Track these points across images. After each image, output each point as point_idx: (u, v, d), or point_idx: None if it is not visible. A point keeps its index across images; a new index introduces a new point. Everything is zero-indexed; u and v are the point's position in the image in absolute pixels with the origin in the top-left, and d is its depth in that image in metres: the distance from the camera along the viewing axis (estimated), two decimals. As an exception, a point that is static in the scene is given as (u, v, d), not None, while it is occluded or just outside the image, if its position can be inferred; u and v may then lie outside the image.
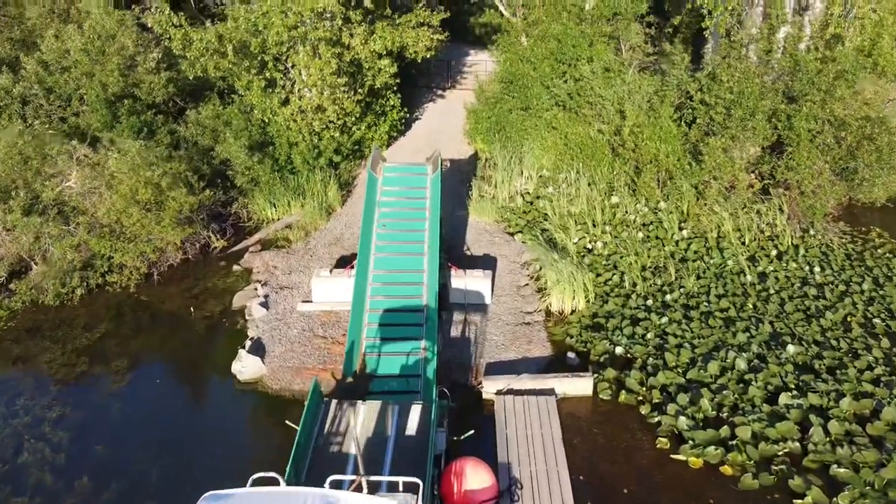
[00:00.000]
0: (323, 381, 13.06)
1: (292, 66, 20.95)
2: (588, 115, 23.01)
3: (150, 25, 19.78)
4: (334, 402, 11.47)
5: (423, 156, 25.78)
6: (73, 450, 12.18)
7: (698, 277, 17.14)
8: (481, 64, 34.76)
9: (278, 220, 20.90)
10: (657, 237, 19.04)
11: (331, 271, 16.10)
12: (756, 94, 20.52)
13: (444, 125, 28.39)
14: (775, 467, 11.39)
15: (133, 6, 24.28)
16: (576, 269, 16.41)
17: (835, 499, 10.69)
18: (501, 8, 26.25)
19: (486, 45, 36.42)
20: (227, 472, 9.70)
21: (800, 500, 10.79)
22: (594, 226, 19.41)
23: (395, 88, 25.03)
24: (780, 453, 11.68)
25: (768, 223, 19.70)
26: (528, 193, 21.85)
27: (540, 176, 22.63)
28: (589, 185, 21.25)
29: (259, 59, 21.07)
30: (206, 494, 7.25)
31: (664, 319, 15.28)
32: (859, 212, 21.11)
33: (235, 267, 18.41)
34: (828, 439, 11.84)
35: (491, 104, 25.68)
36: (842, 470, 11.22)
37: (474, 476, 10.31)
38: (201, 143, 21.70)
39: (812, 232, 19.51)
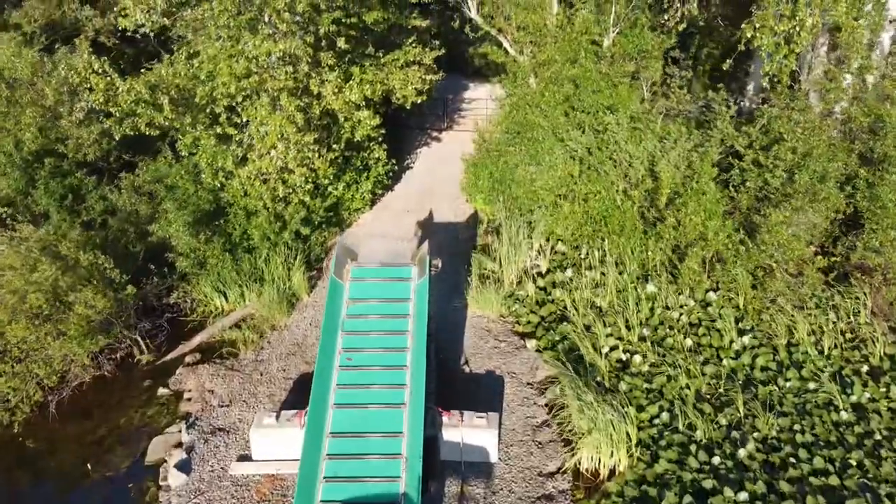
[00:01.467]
0: None
1: (248, 121, 16.50)
2: (612, 175, 18.60)
3: (63, 74, 15.36)
4: None
5: (414, 218, 21.42)
6: None
7: (776, 413, 12.57)
8: (481, 101, 30.48)
9: (229, 313, 16.39)
10: (711, 345, 14.50)
11: (277, 417, 11.54)
12: (826, 154, 16.14)
13: (438, 177, 23.98)
14: None
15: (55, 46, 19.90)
16: (612, 411, 11.83)
17: None
18: (506, 45, 21.90)
19: (487, 77, 32.12)
20: None
21: None
22: (628, 328, 14.88)
23: (380, 140, 20.67)
24: None
25: (848, 322, 15.19)
26: (542, 276, 17.35)
27: (555, 251, 18.17)
28: (617, 265, 16.79)
29: (209, 110, 16.70)
30: None
31: (743, 497, 10.69)
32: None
33: (162, 390, 13.84)
34: None
35: (493, 157, 21.25)
36: None
37: None
38: (142, 211, 17.31)
39: (905, 333, 15.02)
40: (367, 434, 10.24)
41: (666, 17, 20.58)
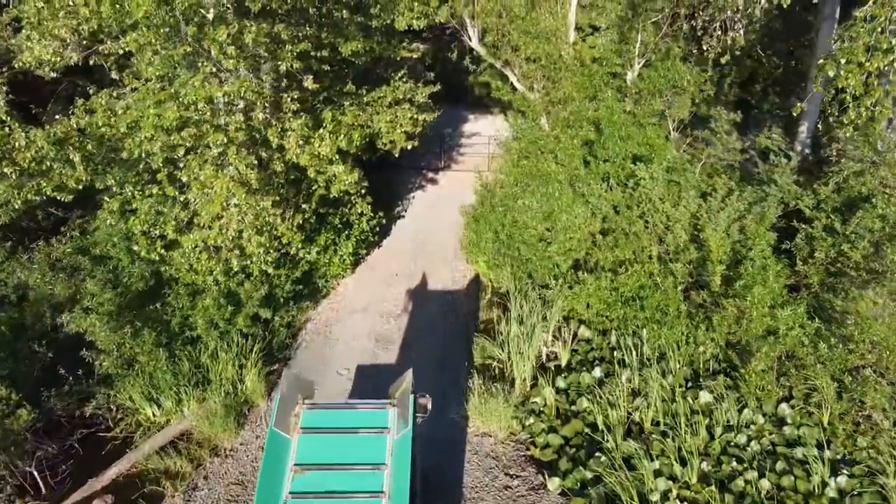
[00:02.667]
0: None
1: (188, 182, 12.82)
2: (644, 240, 14.98)
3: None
4: None
5: (404, 285, 17.74)
6: None
7: None
8: (483, 136, 26.94)
9: (161, 428, 12.62)
10: (795, 489, 10.72)
11: None
12: (923, 223, 12.55)
13: (434, 229, 20.36)
14: None
15: None
16: None
17: None
18: (513, 79, 18.35)
19: (489, 108, 28.59)
20: None
21: None
22: (682, 461, 11.10)
23: (363, 192, 17.08)
24: None
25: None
26: (562, 372, 13.61)
27: (577, 338, 14.47)
28: (659, 362, 13.07)
29: (142, 165, 13.09)
30: None
31: None
32: None
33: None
34: None
35: (499, 212, 17.61)
36: None
37: None
38: (58, 292, 13.61)
39: None
40: None
41: (704, 48, 17.06)
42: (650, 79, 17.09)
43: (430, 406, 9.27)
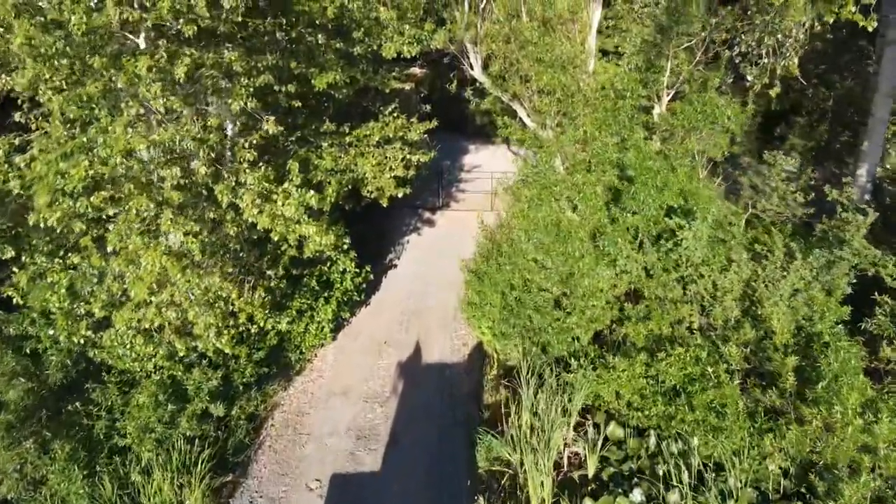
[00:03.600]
0: None
1: (115, 250, 9.99)
2: (684, 311, 12.20)
3: None
4: None
5: (394, 357, 14.87)
6: None
7: None
8: (485, 170, 24.32)
9: (73, 571, 9.71)
10: None
11: None
12: None
13: (430, 283, 17.71)
14: None
15: None
16: None
17: None
18: (522, 115, 15.62)
19: (490, 138, 25.93)
20: None
21: None
22: None
23: (345, 248, 14.34)
24: None
25: None
26: (592, 490, 10.70)
27: (607, 438, 11.60)
28: (716, 479, 10.19)
29: (61, 230, 10.28)
30: None
31: None
32: None
33: None
34: None
35: (506, 270, 14.74)
36: None
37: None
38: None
39: None
40: None
41: (749, 79, 14.37)
42: (684, 113, 14.38)
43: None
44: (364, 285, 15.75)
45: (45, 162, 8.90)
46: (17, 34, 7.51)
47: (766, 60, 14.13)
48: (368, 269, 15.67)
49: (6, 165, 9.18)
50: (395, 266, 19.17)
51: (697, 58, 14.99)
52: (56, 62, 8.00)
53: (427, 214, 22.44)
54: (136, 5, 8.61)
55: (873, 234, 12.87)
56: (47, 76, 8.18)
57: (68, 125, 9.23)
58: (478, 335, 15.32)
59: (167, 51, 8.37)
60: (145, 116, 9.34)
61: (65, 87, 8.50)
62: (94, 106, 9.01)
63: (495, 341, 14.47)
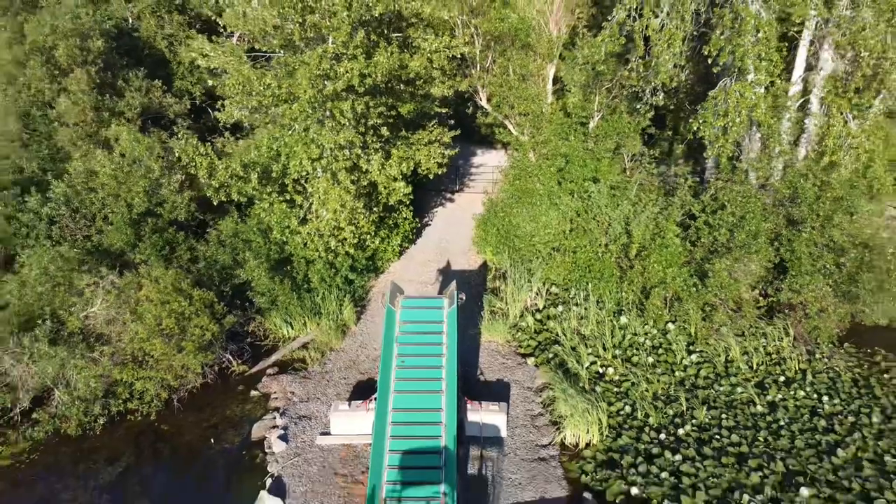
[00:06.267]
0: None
1: (311, 192, 22.13)
2: (596, 233, 24.11)
3: (177, 154, 21.05)
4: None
5: (433, 269, 26.85)
6: None
7: (709, 407, 17.71)
8: (488, 167, 36.38)
9: (294, 339, 21.63)
10: (667, 362, 19.71)
11: (349, 404, 16.71)
12: (758, 217, 21.61)
13: (453, 233, 29.53)
14: None
15: (156, 129, 25.80)
16: (589, 404, 17.01)
17: None
18: (510, 127, 27.77)
19: (493, 144, 38.21)
20: None
21: None
22: (604, 349, 20.11)
23: (408, 203, 26.30)
24: None
25: (774, 346, 20.41)
26: (539, 311, 22.65)
27: (550, 292, 23.49)
28: (598, 303, 22.09)
29: (279, 182, 22.33)
30: None
31: (678, 457, 15.78)
32: (864, 331, 21.78)
33: (253, 392, 19.01)
34: None
35: (500, 216, 26.80)
36: None
37: None
38: (221, 260, 22.67)
39: (818, 355, 20.18)
40: (417, 410, 15.36)
41: (639, 106, 26.49)
42: (603, 127, 26.45)
43: (464, 298, 18.27)
44: (414, 231, 27.68)
45: (288, 146, 20.95)
46: (304, 95, 19.44)
47: (647, 98, 26.15)
48: (418, 220, 27.61)
49: (269, 147, 21.20)
50: (430, 224, 31.09)
51: (613, 94, 27.03)
52: (312, 103, 20.02)
53: (448, 195, 34.44)
54: (326, 81, 20.64)
55: (695, 193, 24.74)
56: (306, 108, 20.14)
57: (295, 130, 21.23)
58: (483, 257, 27.22)
59: (352, 99, 20.36)
60: (333, 128, 21.29)
61: (310, 113, 20.49)
62: (312, 122, 21.00)
63: (494, 257, 26.39)
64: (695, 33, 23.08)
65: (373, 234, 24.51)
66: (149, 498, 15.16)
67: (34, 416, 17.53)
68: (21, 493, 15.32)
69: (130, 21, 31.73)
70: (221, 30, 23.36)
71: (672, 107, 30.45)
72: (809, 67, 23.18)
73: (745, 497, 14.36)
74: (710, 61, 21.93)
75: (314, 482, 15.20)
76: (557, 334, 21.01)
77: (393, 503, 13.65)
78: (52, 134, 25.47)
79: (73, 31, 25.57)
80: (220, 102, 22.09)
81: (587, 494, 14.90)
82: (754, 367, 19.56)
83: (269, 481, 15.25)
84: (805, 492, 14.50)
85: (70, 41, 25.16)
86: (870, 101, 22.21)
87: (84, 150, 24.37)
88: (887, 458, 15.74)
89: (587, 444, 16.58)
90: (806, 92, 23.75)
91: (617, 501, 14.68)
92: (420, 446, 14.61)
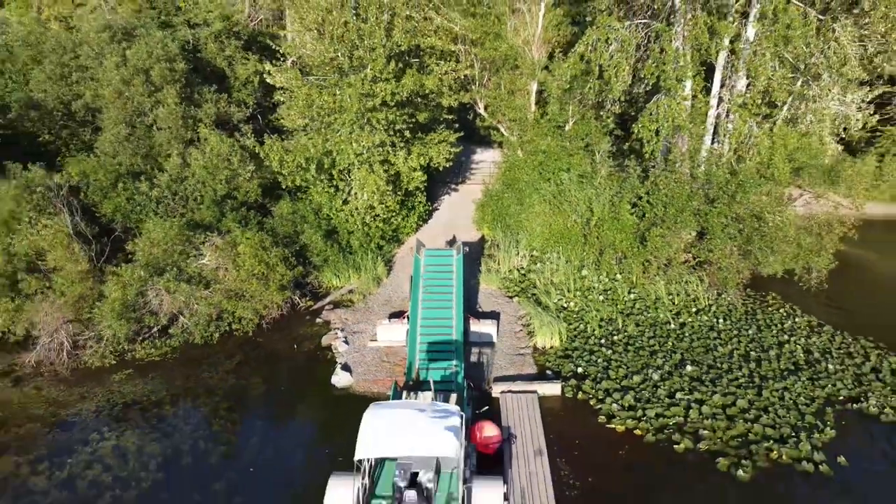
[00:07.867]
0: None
1: (352, 180, 30.50)
2: (567, 211, 32.45)
3: (258, 152, 29.39)
4: (405, 392, 20.15)
5: (442, 240, 35.21)
6: (240, 424, 20.81)
7: (637, 325, 26.04)
8: (486, 163, 44.77)
9: (342, 287, 29.95)
10: (613, 300, 28.05)
11: (390, 320, 25.06)
12: (684, 197, 29.94)
13: (457, 215, 37.92)
14: (667, 431, 20.00)
15: (223, 132, 34.22)
16: (554, 320, 25.35)
17: (698, 445, 19.28)
18: (502, 129, 36.18)
19: (490, 144, 46.65)
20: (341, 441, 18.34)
21: (677, 446, 19.36)
22: (569, 291, 28.44)
23: (423, 189, 34.62)
24: (670, 424, 20.31)
25: (693, 290, 28.74)
26: (523, 268, 30.98)
27: (531, 255, 31.83)
28: (566, 262, 30.41)
29: (328, 172, 30.67)
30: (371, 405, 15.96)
31: (610, 352, 24.13)
32: (763, 282, 30.13)
33: (318, 320, 27.37)
34: (700, 416, 20.49)
35: (494, 200, 35.20)
36: (705, 431, 19.84)
37: (488, 429, 18.90)
38: (282, 231, 30.98)
39: (724, 296, 28.52)
40: (437, 319, 23.71)
41: (601, 113, 34.87)
42: (575, 130, 34.85)
43: (468, 249, 26.64)
44: (427, 212, 36.05)
45: (335, 145, 29.36)
46: (350, 108, 27.66)
47: (609, 106, 34.48)
48: (429, 204, 36.01)
49: (323, 145, 29.53)
50: (438, 208, 39.47)
51: (582, 104, 35.37)
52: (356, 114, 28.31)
53: (453, 185, 42.85)
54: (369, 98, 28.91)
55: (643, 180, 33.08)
56: (353, 118, 28.38)
57: (342, 133, 29.56)
58: (482, 232, 35.59)
59: (386, 110, 28.64)
60: (371, 131, 29.56)
61: (356, 121, 28.76)
62: (356, 126, 29.31)
63: (490, 232, 34.78)
64: (638, 63, 31.50)
65: (396, 212, 32.83)
66: (260, 376, 23.47)
67: (170, 331, 25.87)
68: (174, 375, 23.62)
69: (191, 43, 40.07)
70: (280, 56, 31.75)
71: (633, 113, 38.81)
72: (724, 85, 31.58)
73: (650, 370, 22.71)
74: (647, 81, 30.30)
75: (369, 365, 23.58)
76: (535, 283, 29.35)
77: (423, 371, 21.97)
78: (150, 136, 33.78)
79: (163, 56, 33.89)
80: (273, 113, 30.53)
81: (549, 371, 23.24)
82: (676, 302, 27.91)
83: (338, 367, 23.56)
84: (689, 367, 22.85)
85: (162, 64, 33.50)
86: (764, 110, 30.62)
87: (179, 149, 32.71)
88: (751, 352, 24.08)
89: (551, 347, 24.92)
90: (721, 104, 32.15)
91: (567, 375, 23.00)
92: (439, 339, 22.98)
